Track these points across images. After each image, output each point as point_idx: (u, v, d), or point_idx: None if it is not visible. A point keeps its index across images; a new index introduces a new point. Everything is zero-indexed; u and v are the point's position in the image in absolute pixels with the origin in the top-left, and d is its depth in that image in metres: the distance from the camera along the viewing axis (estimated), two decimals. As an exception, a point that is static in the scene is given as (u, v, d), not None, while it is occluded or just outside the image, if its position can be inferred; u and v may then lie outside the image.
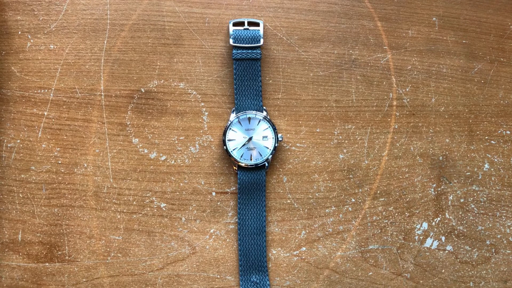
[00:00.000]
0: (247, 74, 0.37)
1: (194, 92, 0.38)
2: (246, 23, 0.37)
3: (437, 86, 0.40)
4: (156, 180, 0.38)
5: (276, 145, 0.37)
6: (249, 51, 0.37)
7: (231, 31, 0.36)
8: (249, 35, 0.37)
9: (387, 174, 0.39)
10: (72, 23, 0.37)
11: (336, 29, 0.39)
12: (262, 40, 0.37)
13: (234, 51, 0.37)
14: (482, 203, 0.40)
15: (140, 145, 0.38)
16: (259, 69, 0.37)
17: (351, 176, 0.39)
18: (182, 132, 0.38)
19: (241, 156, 0.37)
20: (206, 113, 0.38)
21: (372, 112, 0.39)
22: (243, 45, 0.36)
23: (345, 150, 0.39)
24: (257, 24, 0.37)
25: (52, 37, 0.37)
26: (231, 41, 0.36)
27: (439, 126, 0.40)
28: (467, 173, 0.40)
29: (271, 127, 0.37)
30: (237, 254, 0.38)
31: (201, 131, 0.38)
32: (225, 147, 0.37)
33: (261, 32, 0.37)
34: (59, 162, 0.37)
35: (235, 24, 0.37)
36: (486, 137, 0.40)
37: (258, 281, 0.38)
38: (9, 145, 0.37)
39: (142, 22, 0.37)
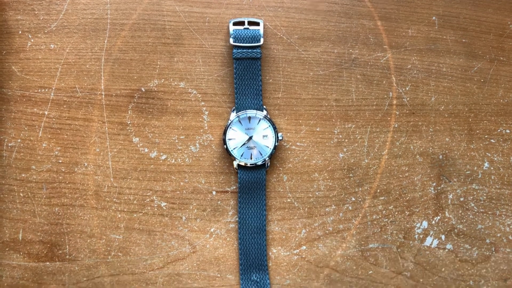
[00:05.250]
0: (247, 73, 0.37)
1: (195, 92, 0.38)
2: (246, 23, 0.37)
3: (437, 85, 0.40)
4: (156, 179, 0.38)
5: (276, 144, 0.37)
6: (249, 50, 0.37)
7: (231, 31, 0.37)
8: (249, 34, 0.37)
9: (387, 173, 0.39)
10: (72, 22, 0.37)
11: (336, 28, 0.39)
12: (262, 40, 0.37)
13: (234, 51, 0.37)
14: (482, 202, 0.40)
15: (141, 144, 0.38)
16: (259, 68, 0.37)
17: (351, 175, 0.39)
18: (183, 131, 0.38)
19: (241, 155, 0.37)
20: (207, 112, 0.38)
21: (372, 111, 0.39)
22: (243, 44, 0.37)
23: (345, 149, 0.39)
24: (257, 24, 0.37)
25: (52, 36, 0.37)
26: (231, 41, 0.36)
27: (439, 125, 0.40)
28: (467, 172, 0.40)
29: (271, 126, 0.37)
30: (238, 253, 0.38)
31: (202, 130, 0.38)
32: (225, 146, 0.37)
33: (261, 32, 0.37)
34: (60, 161, 0.37)
35: (235, 24, 0.37)
36: (486, 136, 0.40)
37: (258, 280, 0.38)
38: (9, 144, 0.37)
39: (143, 22, 0.37)
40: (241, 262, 0.38)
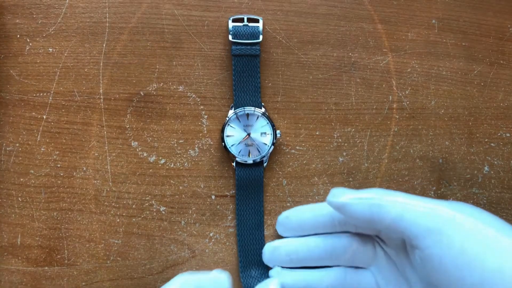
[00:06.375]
0: (246, 70, 0.37)
1: (194, 95, 0.38)
2: (245, 20, 0.37)
3: (436, 89, 0.40)
4: (155, 183, 0.38)
5: (274, 141, 0.37)
6: (248, 47, 0.36)
7: (230, 27, 0.36)
8: (249, 31, 0.36)
9: (387, 177, 0.39)
10: (71, 26, 0.37)
11: (335, 31, 0.39)
12: (261, 36, 0.36)
13: (233, 47, 0.36)
14: (482, 206, 0.40)
15: (140, 149, 0.38)
16: (258, 65, 0.37)
17: (351, 179, 0.39)
18: (182, 135, 0.38)
19: (239, 152, 0.37)
20: (206, 116, 0.38)
21: (371, 114, 0.39)
22: (242, 41, 0.36)
23: (344, 153, 0.39)
24: (257, 21, 0.37)
25: (51, 40, 0.37)
26: (230, 37, 0.36)
27: (439, 129, 0.40)
28: (467, 176, 0.40)
29: (269, 123, 0.37)
30: (236, 257, 0.38)
31: (201, 134, 0.38)
32: (223, 143, 0.37)
33: (261, 28, 0.37)
34: (58, 165, 0.37)
35: (234, 20, 0.37)
36: (486, 140, 0.40)
37: (258, 275, 0.38)
38: (8, 148, 0.37)
39: (141, 25, 0.37)
40: (240, 260, 0.38)
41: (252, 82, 0.37)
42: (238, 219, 0.38)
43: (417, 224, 0.29)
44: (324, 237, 0.36)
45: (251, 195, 0.38)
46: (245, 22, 0.37)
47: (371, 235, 0.35)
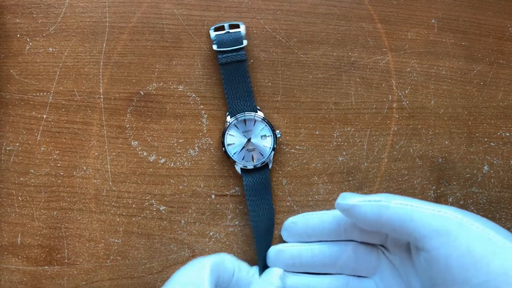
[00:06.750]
0: (235, 77, 0.37)
1: (193, 95, 0.38)
2: (226, 27, 0.37)
3: (436, 88, 0.40)
4: (155, 183, 0.38)
5: (275, 146, 0.37)
6: (234, 54, 0.36)
7: (212, 36, 0.36)
8: (231, 38, 0.36)
9: (387, 177, 0.39)
10: (71, 26, 0.37)
11: (335, 31, 0.39)
12: (245, 41, 0.36)
13: (219, 56, 0.36)
14: (482, 205, 0.40)
15: (139, 148, 0.38)
16: (245, 70, 0.37)
17: (350, 178, 0.39)
18: (181, 134, 0.38)
19: (242, 159, 0.37)
20: (205, 115, 0.38)
21: (371, 114, 0.39)
22: (227, 48, 0.36)
23: (344, 153, 0.39)
24: (237, 26, 0.37)
25: (51, 40, 0.37)
26: (214, 47, 0.36)
27: (439, 128, 0.40)
28: (467, 175, 0.40)
29: (268, 125, 0.37)
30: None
31: (200, 134, 0.38)
32: (223, 148, 0.37)
33: (243, 33, 0.37)
34: (58, 165, 0.37)
35: (216, 29, 0.37)
36: (486, 139, 0.40)
37: None
38: (8, 148, 0.37)
39: (141, 25, 0.37)
40: (260, 267, 0.37)
41: (243, 87, 0.37)
42: (254, 226, 0.37)
43: (425, 225, 0.29)
44: (329, 244, 0.36)
45: (261, 199, 0.37)
46: (227, 29, 0.37)
47: (376, 244, 0.35)
